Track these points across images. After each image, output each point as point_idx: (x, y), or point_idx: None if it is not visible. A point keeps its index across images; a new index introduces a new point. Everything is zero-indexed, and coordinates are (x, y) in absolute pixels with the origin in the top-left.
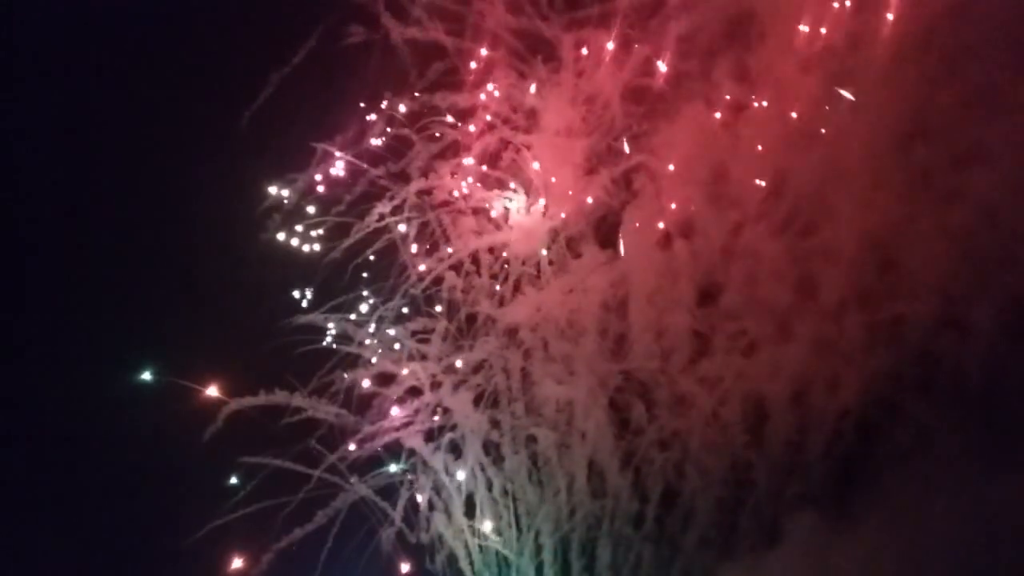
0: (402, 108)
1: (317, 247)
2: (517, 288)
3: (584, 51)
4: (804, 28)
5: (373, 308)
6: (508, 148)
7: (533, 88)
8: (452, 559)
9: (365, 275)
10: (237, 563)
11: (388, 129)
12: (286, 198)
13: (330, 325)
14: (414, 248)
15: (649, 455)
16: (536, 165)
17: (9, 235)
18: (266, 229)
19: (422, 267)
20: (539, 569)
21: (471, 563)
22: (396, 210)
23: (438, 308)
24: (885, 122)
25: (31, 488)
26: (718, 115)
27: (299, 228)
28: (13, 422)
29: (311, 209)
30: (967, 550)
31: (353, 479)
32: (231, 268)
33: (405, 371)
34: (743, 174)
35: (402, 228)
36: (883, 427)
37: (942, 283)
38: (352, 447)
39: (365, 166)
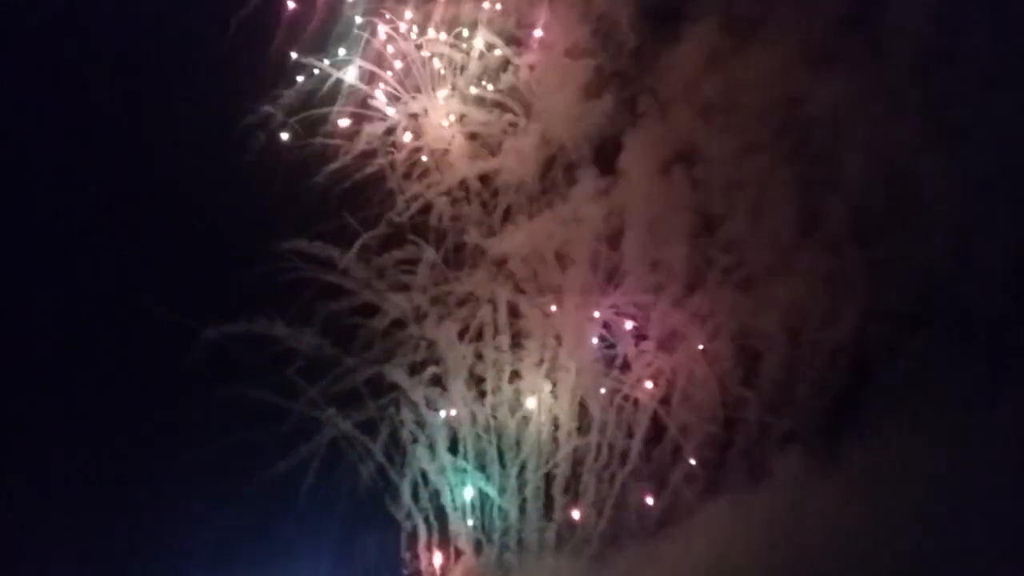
0: (401, 23)
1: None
2: (508, 217)
3: None
4: None
5: (357, 235)
6: (508, 68)
7: None
8: (434, 495)
9: (351, 200)
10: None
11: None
12: (270, 115)
13: (312, 252)
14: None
15: (636, 390)
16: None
17: None
18: (247, 150)
19: (410, 193)
20: (522, 506)
21: (453, 500)
22: (388, 132)
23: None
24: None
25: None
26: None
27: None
28: None
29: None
30: (956, 491)
31: (332, 412)
32: (209, 191)
33: (389, 302)
34: (752, 99)
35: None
36: (877, 365)
37: (948, 218)
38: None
39: (356, 83)
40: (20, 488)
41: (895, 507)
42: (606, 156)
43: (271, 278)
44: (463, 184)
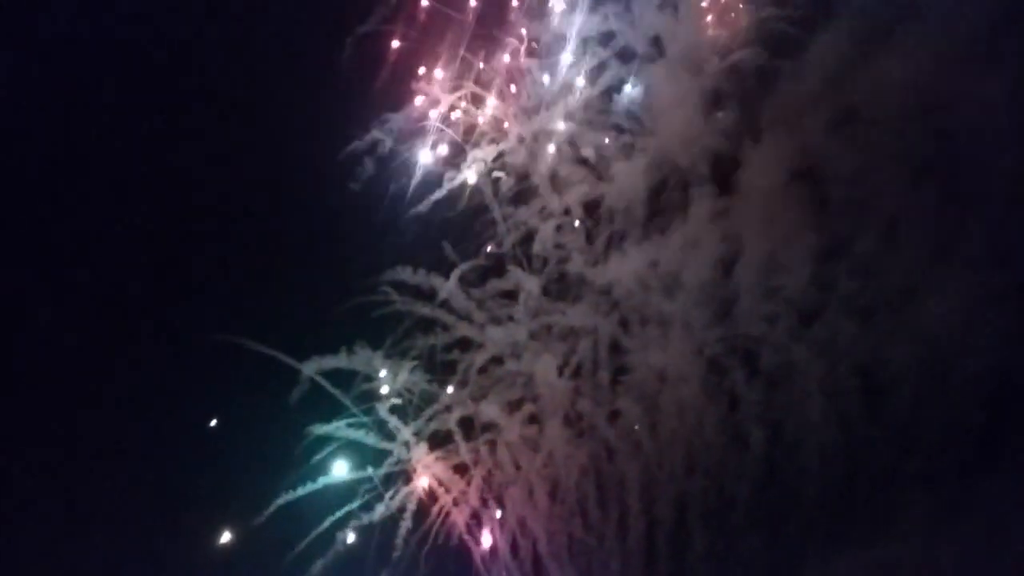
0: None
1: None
2: (616, 244)
3: None
4: None
5: (455, 266)
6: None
7: None
8: (535, 542)
9: (453, 229)
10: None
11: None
12: (378, 143)
13: (414, 282)
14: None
15: (748, 430)
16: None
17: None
18: (355, 177)
19: (513, 220)
20: (625, 559)
21: (551, 546)
22: (497, 157)
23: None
24: None
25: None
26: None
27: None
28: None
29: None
30: None
31: (423, 451)
32: (311, 222)
33: (486, 336)
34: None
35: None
36: (1018, 400)
37: None
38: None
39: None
40: (110, 526)
41: None
42: (722, 175)
43: (370, 309)
44: (568, 211)
